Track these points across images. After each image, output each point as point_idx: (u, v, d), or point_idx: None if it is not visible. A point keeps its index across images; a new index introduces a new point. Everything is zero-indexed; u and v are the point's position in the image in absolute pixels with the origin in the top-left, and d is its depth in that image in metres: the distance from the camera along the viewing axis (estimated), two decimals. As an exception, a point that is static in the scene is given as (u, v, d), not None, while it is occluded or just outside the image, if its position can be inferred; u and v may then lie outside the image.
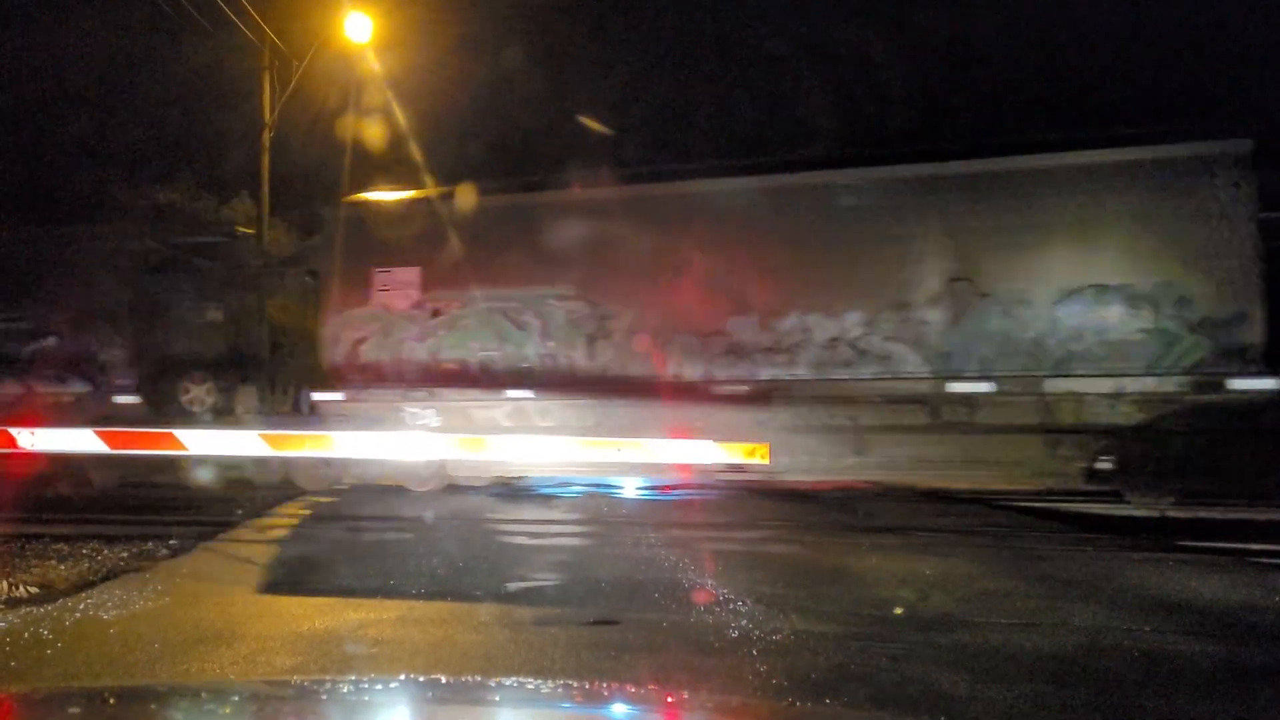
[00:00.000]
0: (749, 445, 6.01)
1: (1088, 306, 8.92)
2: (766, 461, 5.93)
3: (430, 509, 9.78)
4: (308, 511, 9.91)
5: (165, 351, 11.96)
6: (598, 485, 11.63)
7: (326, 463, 10.79)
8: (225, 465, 10.72)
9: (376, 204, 11.64)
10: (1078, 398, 8.96)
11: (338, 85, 16.24)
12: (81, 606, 5.32)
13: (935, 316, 9.32)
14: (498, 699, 2.31)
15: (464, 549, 7.45)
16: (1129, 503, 9.09)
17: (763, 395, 9.67)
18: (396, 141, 16.24)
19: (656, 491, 11.12)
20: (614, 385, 9.97)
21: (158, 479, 11.14)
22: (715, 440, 6.09)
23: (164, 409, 11.66)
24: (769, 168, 10.44)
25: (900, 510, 9.60)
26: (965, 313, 9.26)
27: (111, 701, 2.24)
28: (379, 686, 2.39)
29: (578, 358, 10.31)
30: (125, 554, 6.89)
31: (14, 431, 6.22)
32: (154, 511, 9.28)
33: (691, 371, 9.95)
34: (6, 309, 12.48)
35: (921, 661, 4.39)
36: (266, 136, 16.12)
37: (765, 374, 9.76)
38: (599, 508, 10.13)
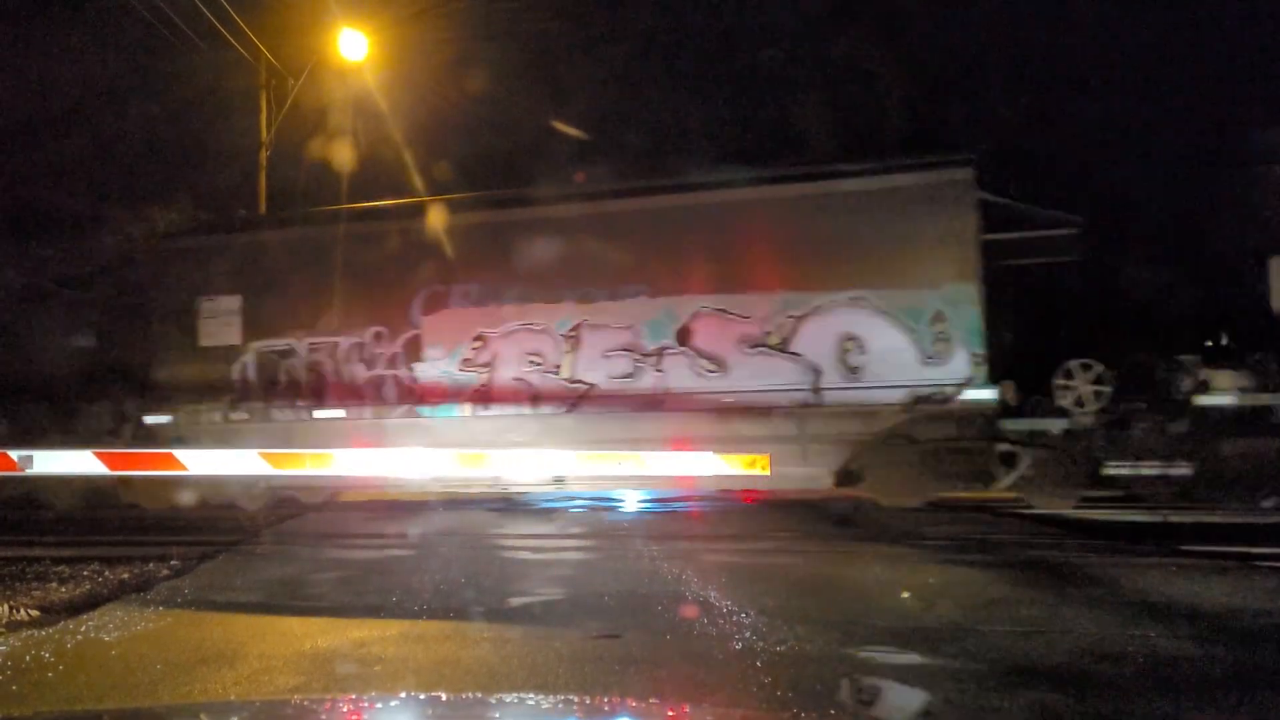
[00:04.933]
0: (749, 456, 5.97)
1: None
2: (767, 472, 5.90)
3: (431, 525, 9.76)
4: (309, 529, 9.90)
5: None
6: (599, 499, 11.62)
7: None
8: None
9: None
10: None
11: (336, 101, 16.24)
12: (83, 629, 5.29)
13: None
14: (499, 715, 2.30)
15: (466, 564, 7.43)
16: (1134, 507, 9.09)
17: None
18: (395, 154, 16.16)
19: (659, 504, 11.10)
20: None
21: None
22: (715, 451, 6.07)
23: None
24: None
25: (903, 520, 9.56)
26: None
27: None
28: (380, 705, 2.38)
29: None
30: (126, 574, 6.87)
31: (13, 455, 6.21)
32: (156, 531, 9.26)
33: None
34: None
35: (927, 670, 4.37)
36: (264, 155, 16.18)
37: None
38: (600, 521, 10.11)
